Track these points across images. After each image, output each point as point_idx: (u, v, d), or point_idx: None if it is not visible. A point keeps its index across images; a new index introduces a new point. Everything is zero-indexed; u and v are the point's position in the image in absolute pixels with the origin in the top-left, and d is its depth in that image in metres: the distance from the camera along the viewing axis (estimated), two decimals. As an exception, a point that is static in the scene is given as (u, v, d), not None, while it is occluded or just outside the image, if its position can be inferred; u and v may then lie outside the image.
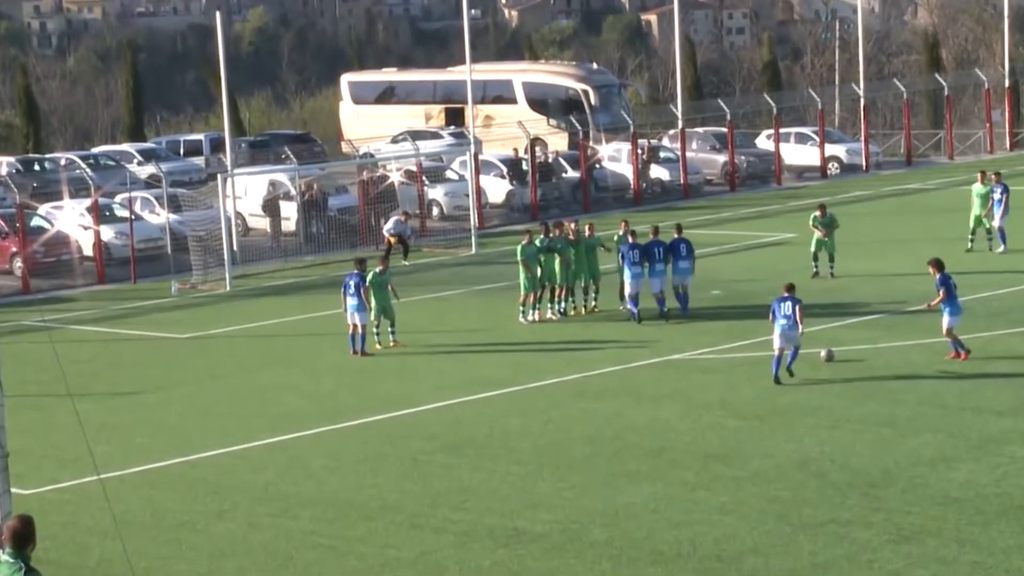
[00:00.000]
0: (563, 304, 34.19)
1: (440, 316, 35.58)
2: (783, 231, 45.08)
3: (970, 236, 39.73)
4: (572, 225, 35.28)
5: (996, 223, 39.60)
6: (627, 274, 33.37)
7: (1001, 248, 39.32)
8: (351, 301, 31.32)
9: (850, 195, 53.72)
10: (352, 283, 31.41)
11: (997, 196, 39.73)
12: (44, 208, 47.58)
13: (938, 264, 28.38)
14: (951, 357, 27.97)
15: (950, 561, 18.07)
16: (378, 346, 31.67)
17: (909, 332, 29.04)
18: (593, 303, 34.59)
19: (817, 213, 37.74)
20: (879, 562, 18.12)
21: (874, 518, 19.62)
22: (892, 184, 56.82)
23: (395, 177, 51.11)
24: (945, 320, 28.01)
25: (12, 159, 62.69)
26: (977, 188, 40.25)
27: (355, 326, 31.34)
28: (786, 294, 27.47)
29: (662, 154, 58.25)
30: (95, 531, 20.52)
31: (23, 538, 11.67)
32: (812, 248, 37.44)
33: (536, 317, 33.86)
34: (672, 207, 53.49)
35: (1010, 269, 36.88)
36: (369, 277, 31.54)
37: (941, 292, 27.91)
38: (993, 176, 40.64)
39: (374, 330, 31.65)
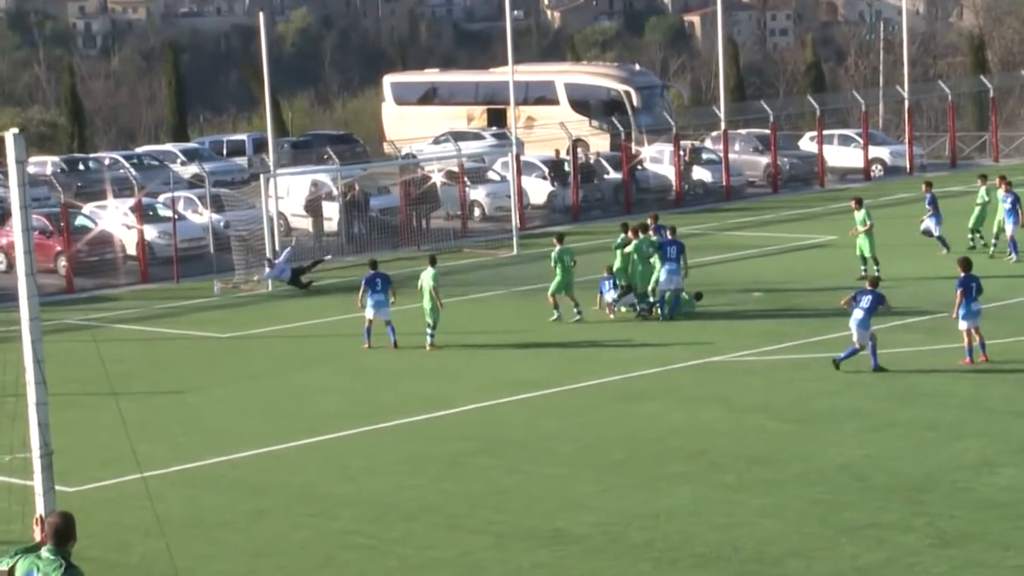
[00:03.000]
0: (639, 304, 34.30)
1: (480, 317, 35.57)
2: (825, 233, 44.87)
3: (994, 241, 39.48)
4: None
5: (1008, 232, 39.12)
6: (663, 269, 33.53)
7: (1013, 257, 38.79)
8: (379, 298, 31.94)
9: (893, 197, 53.44)
10: (380, 281, 32.05)
11: (1008, 205, 39.24)
12: (88, 207, 47.82)
13: (964, 264, 28.29)
14: (963, 362, 27.85)
15: (993, 565, 17.94)
16: (431, 347, 31.78)
17: (952, 335, 28.84)
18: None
19: (853, 208, 37.68)
20: (921, 566, 18.01)
21: (916, 522, 19.50)
22: (936, 186, 56.31)
23: (437, 178, 51.16)
24: (959, 322, 27.93)
25: (57, 159, 63.10)
26: (982, 193, 40.51)
27: (372, 321, 32.02)
28: (868, 287, 28.10)
29: (704, 156, 58.10)
30: (137, 529, 20.59)
31: (64, 535, 11.71)
32: (858, 252, 37.31)
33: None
34: (714, 209, 53.38)
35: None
36: (433, 274, 31.83)
37: (959, 293, 27.82)
38: (1000, 183, 40.01)
39: (430, 330, 31.92)
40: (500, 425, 25.60)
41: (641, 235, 34.52)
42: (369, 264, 33.65)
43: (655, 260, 33.82)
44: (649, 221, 36.30)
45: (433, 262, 32.56)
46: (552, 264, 34.16)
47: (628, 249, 34.16)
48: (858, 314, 27.66)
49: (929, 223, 40.28)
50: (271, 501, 21.85)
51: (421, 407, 26.95)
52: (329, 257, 43.07)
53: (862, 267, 37.14)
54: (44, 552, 11.68)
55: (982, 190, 41.20)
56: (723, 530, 19.52)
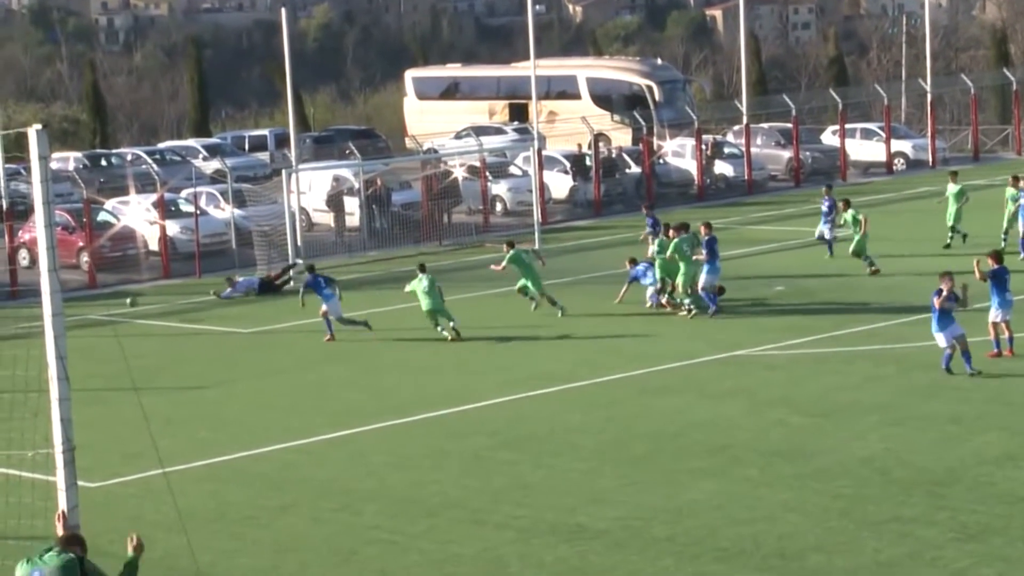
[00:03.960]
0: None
1: (502, 311, 35.57)
2: (848, 228, 44.71)
3: (1003, 236, 39.20)
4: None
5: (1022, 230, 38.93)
6: (707, 267, 33.42)
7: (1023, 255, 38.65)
8: (328, 292, 33.05)
9: (916, 191, 53.34)
10: (324, 280, 33.38)
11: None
12: (110, 203, 47.96)
13: (994, 256, 28.35)
14: (990, 355, 27.70)
15: (1015, 560, 17.89)
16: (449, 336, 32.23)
17: (975, 328, 28.73)
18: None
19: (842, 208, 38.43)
20: (943, 560, 17.98)
21: (938, 516, 19.47)
22: (959, 180, 56.25)
23: (458, 173, 51.20)
24: (990, 313, 27.85)
25: (79, 154, 63.37)
26: (952, 189, 40.76)
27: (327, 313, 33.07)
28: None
29: (726, 150, 58.05)
30: (160, 525, 20.63)
31: (70, 540, 11.75)
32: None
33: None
34: (736, 203, 53.29)
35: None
36: (429, 279, 32.25)
37: (988, 281, 27.79)
38: (1014, 181, 39.84)
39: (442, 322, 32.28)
40: (522, 419, 25.61)
41: (684, 233, 34.16)
42: (307, 268, 34.44)
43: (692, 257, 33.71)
44: (644, 211, 36.31)
45: (423, 268, 32.94)
46: (509, 264, 34.38)
47: (669, 251, 33.79)
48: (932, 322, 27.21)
49: (824, 228, 40.30)
50: (294, 496, 21.89)
51: (443, 402, 26.98)
52: (299, 262, 42.08)
53: (864, 263, 37.47)
54: (46, 555, 11.74)
55: (955, 188, 41.28)
56: (745, 524, 19.51)
